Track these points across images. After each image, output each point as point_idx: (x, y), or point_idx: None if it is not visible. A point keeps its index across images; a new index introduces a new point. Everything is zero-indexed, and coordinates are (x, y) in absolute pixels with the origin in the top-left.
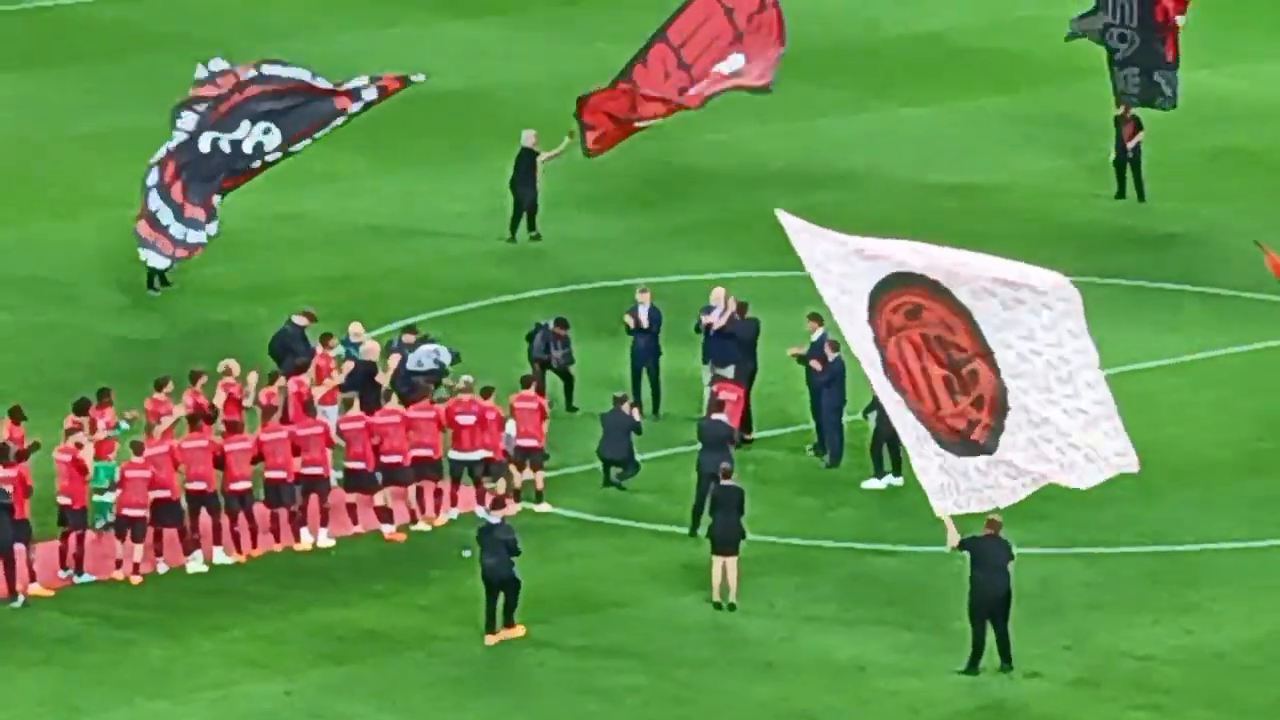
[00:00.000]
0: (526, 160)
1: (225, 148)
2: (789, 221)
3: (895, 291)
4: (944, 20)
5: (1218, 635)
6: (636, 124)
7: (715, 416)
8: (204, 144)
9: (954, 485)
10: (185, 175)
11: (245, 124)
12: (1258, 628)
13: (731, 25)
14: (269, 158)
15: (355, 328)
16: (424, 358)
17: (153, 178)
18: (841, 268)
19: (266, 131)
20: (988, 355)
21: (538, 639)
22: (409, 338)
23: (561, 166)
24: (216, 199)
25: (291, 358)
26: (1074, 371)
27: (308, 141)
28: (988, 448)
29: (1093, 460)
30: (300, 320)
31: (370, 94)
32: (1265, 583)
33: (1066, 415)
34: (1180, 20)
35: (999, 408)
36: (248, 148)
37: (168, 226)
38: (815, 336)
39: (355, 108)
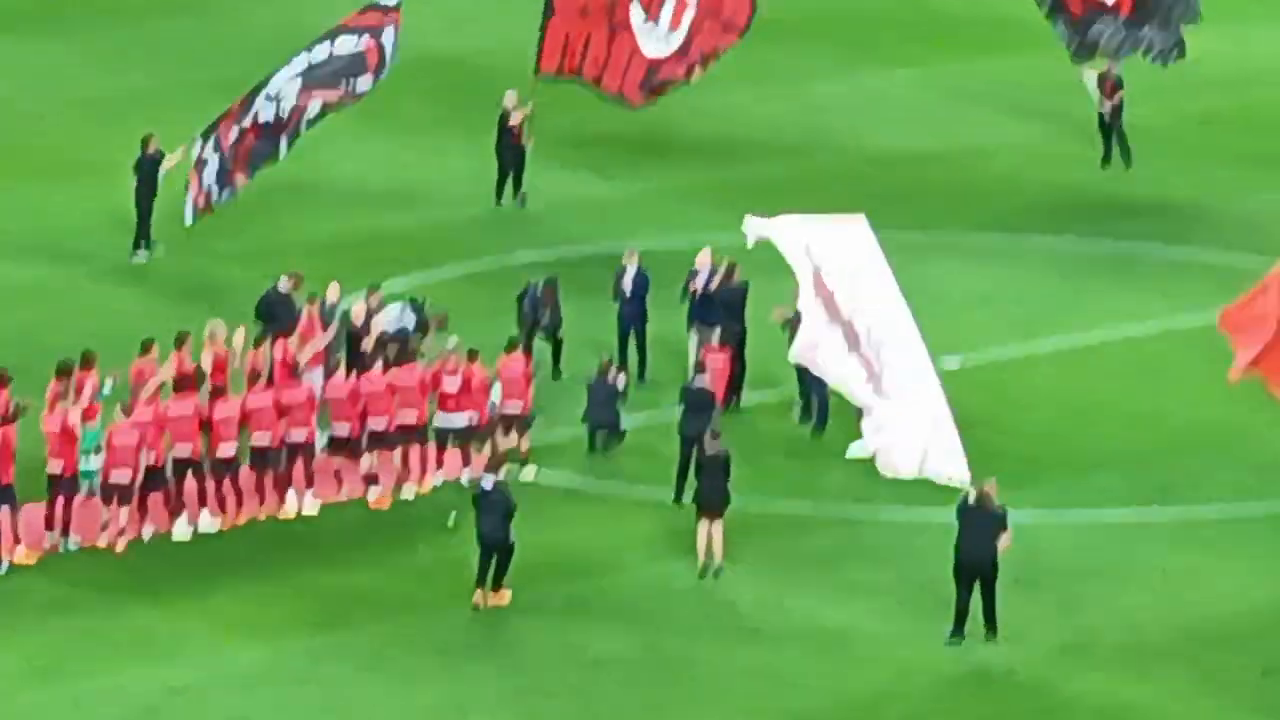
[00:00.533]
0: (505, 124)
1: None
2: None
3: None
4: None
5: (1207, 603)
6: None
7: (698, 381)
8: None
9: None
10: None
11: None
12: (1248, 596)
13: None
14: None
15: (333, 290)
16: (389, 323)
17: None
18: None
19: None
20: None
21: (524, 605)
22: (374, 299)
23: (548, 131)
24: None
25: (277, 321)
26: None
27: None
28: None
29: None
30: (285, 284)
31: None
32: (1256, 550)
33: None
34: None
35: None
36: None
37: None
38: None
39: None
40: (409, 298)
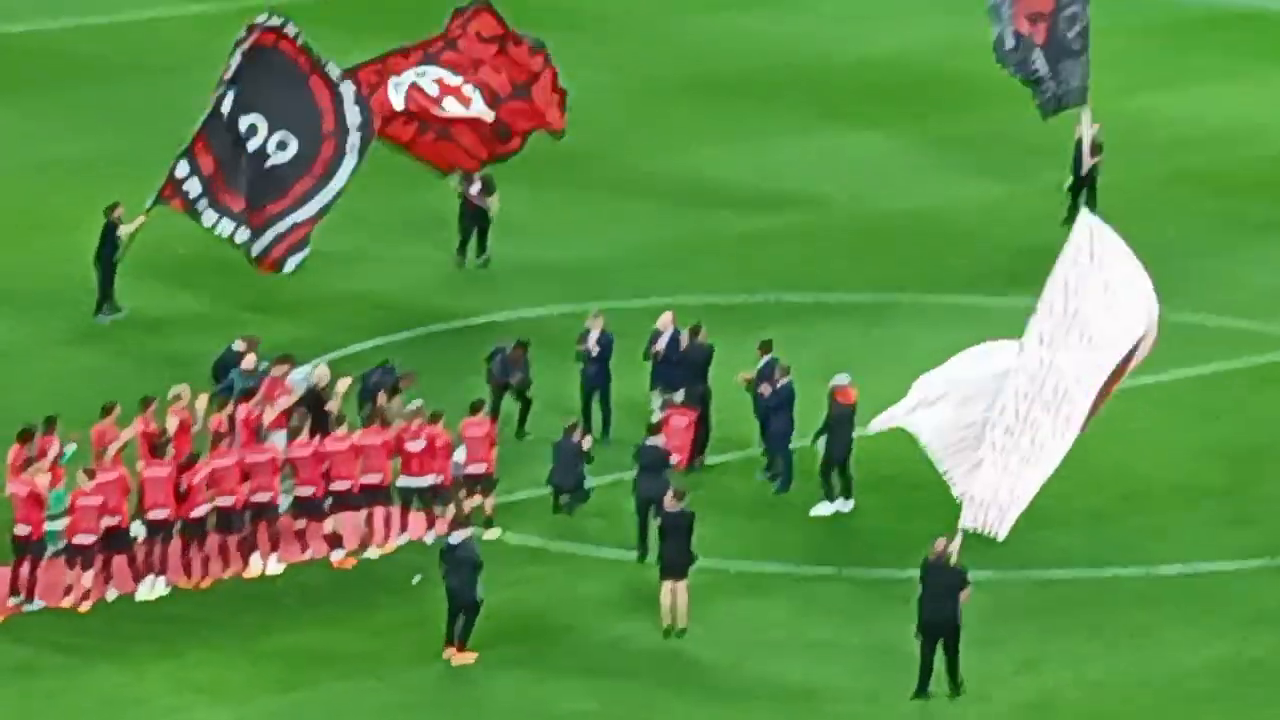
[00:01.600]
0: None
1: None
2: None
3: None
4: (895, 44)
5: (1167, 661)
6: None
7: (651, 441)
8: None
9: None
10: (216, 150)
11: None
12: (1207, 653)
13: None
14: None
15: (249, 358)
16: (298, 381)
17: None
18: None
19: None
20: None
21: (488, 664)
22: (280, 368)
23: (509, 192)
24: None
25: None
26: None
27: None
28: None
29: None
30: (240, 346)
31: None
32: (1214, 608)
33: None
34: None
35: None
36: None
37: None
38: (763, 362)
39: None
40: (382, 360)
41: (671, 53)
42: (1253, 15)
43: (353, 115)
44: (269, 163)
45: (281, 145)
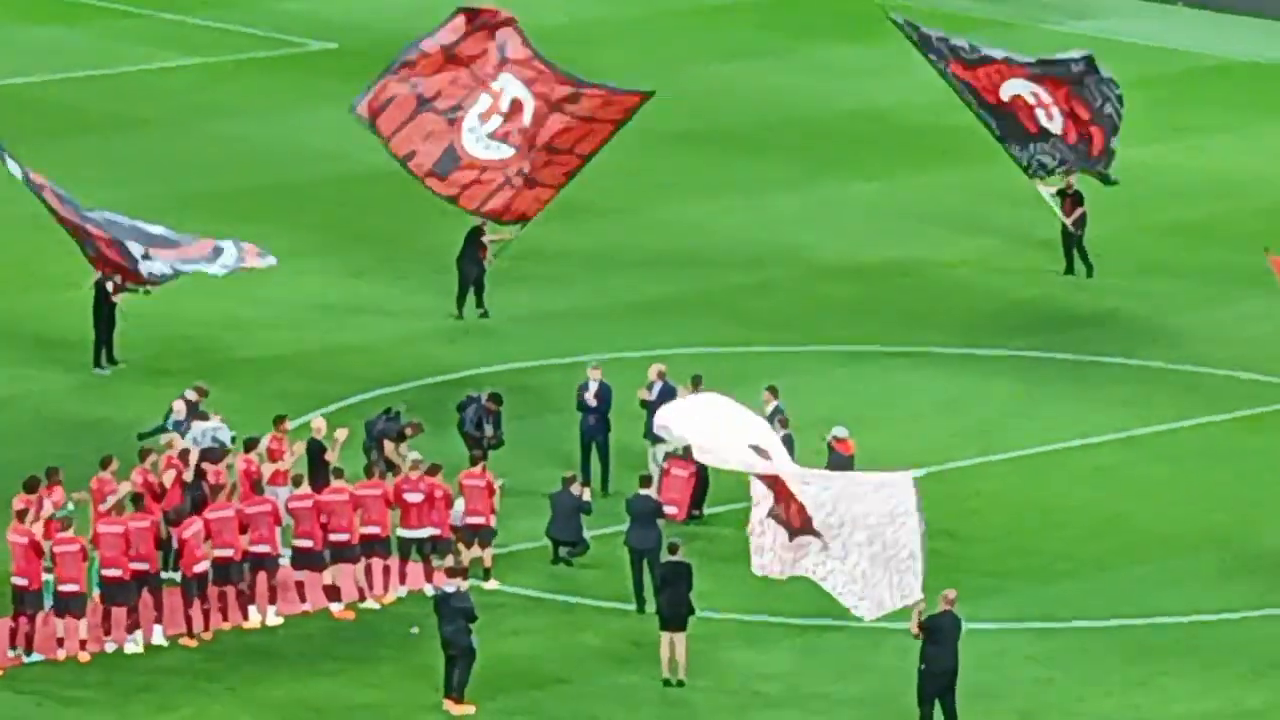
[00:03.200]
0: (474, 237)
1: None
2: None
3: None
4: (893, 96)
5: (1167, 710)
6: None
7: (643, 491)
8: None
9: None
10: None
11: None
12: (1208, 702)
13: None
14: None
15: (178, 405)
16: (200, 435)
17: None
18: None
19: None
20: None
21: (487, 715)
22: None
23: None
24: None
25: (187, 429)
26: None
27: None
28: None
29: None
30: (191, 395)
31: (229, 258)
32: (1215, 658)
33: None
34: (1006, 95)
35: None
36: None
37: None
38: (769, 409)
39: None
40: (385, 407)
41: (664, 106)
42: (1252, 67)
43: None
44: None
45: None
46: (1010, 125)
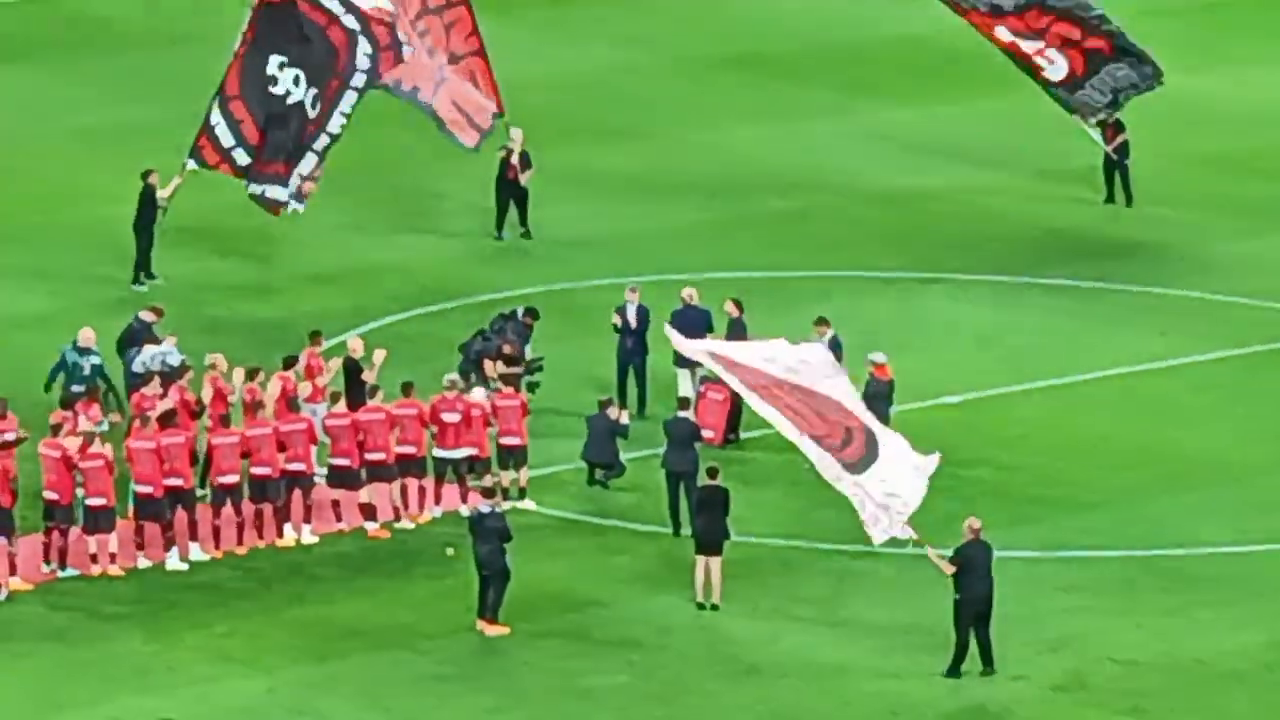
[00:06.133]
0: (504, 165)
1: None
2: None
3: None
4: (932, 22)
5: (1200, 641)
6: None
7: (681, 414)
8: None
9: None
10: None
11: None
12: (1240, 635)
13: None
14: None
15: (86, 333)
16: (149, 360)
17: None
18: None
19: (296, 81)
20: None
21: (521, 637)
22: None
23: (548, 167)
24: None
25: (137, 352)
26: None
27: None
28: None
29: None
30: (147, 316)
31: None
32: (1249, 590)
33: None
34: (1027, 46)
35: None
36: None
37: (231, 150)
38: (825, 339)
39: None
40: (478, 329)
41: (705, 31)
42: None
43: (362, 60)
44: (290, 100)
45: (296, 81)
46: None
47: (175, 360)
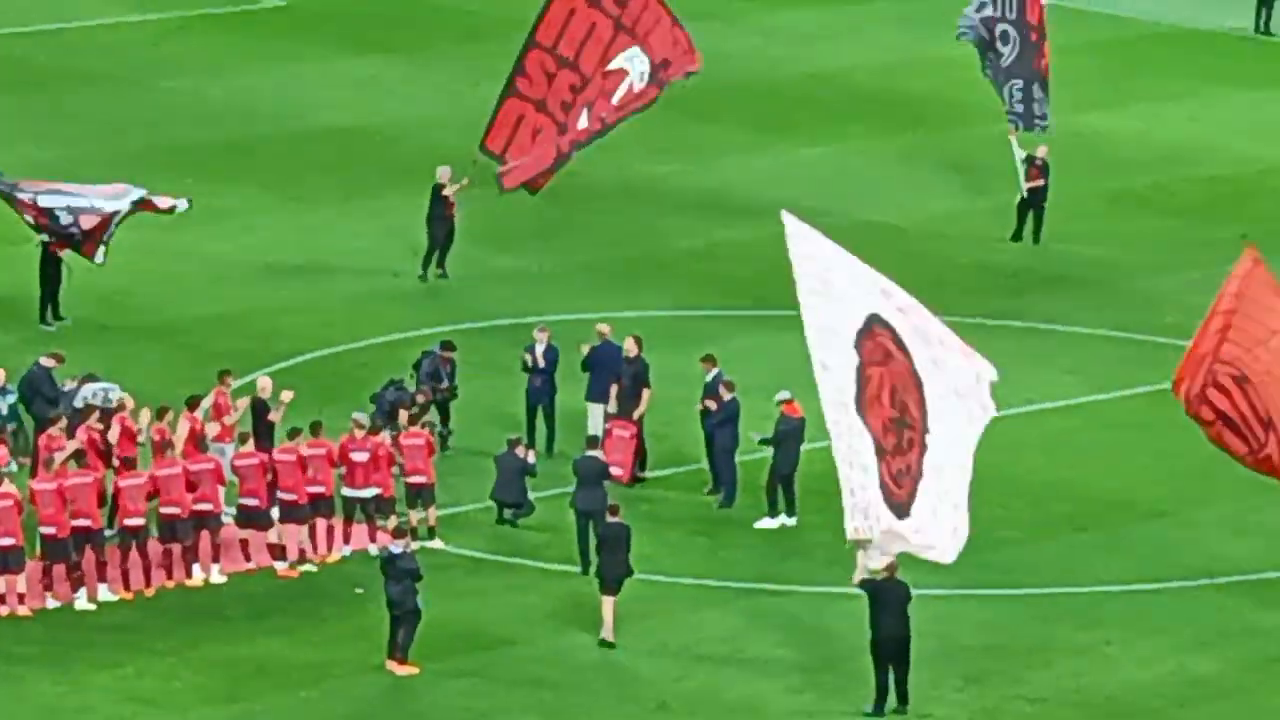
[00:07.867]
0: (438, 197)
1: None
2: (791, 223)
3: (879, 328)
4: (845, 60)
5: (1111, 678)
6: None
7: (590, 453)
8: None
9: (867, 516)
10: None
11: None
12: (1151, 671)
13: (603, 14)
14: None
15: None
16: (91, 395)
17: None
18: (842, 282)
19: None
20: (924, 432)
21: (431, 677)
22: (70, 384)
23: (464, 204)
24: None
25: (40, 400)
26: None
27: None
28: (898, 513)
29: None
30: (48, 362)
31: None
32: (1159, 625)
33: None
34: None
35: (914, 484)
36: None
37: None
38: (710, 377)
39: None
40: (389, 379)
41: None
42: (1199, 35)
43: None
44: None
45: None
46: (1025, 56)
47: (115, 396)
